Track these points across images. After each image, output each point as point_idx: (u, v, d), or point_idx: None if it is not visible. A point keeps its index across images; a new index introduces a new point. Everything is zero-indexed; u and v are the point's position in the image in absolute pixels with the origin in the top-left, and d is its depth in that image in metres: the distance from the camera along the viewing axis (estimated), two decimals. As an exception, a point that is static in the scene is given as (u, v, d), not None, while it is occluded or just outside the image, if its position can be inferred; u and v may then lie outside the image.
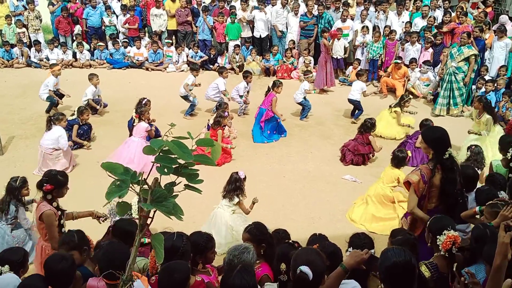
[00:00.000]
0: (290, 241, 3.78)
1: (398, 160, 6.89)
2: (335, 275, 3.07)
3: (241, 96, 10.62)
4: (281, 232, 4.39)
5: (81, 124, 9.01)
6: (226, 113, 8.86)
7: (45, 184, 4.64)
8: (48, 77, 10.62)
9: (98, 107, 10.58)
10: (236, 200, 6.13)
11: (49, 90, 10.35)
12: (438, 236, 3.64)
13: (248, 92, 10.79)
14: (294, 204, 7.36)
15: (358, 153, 8.56)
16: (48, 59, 13.80)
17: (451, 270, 3.58)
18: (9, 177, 5.73)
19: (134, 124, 8.44)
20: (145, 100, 9.02)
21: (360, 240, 3.95)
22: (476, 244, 3.81)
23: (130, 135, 8.56)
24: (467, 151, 7.05)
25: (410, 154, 7.83)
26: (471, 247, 3.89)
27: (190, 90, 10.47)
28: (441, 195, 4.56)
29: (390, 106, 9.99)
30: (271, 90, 9.69)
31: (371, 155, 8.68)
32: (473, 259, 3.88)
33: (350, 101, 10.63)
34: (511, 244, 2.74)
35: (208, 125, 9.14)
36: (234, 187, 6.08)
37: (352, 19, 13.71)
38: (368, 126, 8.57)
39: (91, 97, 10.44)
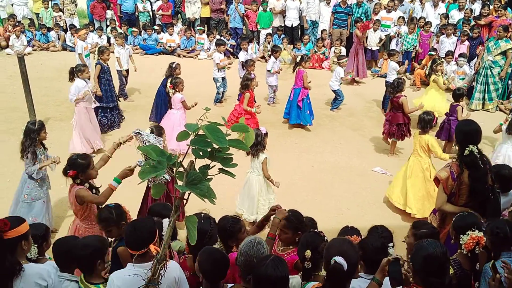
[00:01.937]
0: (316, 230, 3.75)
1: (424, 123, 6.70)
2: None
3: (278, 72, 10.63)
4: (307, 220, 4.38)
5: (103, 65, 9.02)
6: (253, 75, 8.83)
7: (68, 171, 4.68)
8: (76, 44, 10.79)
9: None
10: (263, 156, 6.09)
11: (79, 54, 10.45)
12: (461, 236, 3.59)
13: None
14: (322, 195, 7.34)
15: (395, 122, 8.34)
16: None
17: (474, 268, 3.56)
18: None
19: (171, 96, 8.47)
20: (175, 63, 9.14)
21: (378, 234, 3.89)
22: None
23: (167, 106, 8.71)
24: (509, 114, 6.91)
25: (437, 116, 7.68)
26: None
27: (223, 68, 10.57)
28: (470, 192, 4.47)
29: (426, 76, 9.75)
30: (299, 66, 9.53)
31: (407, 128, 8.40)
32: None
33: (387, 83, 10.47)
34: None
35: (239, 94, 9.27)
36: (256, 142, 5.94)
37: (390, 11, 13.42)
38: (395, 86, 8.35)
39: (118, 55, 10.56)
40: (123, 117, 9.61)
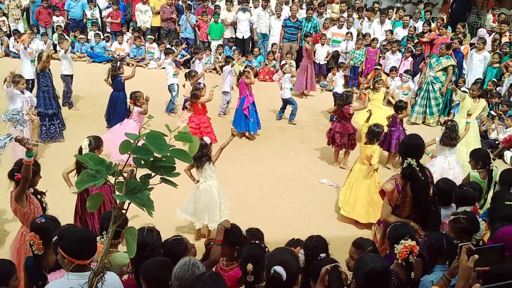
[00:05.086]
0: (256, 242, 3.73)
1: (373, 135, 6.84)
2: None
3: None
4: (253, 230, 4.33)
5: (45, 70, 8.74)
6: (202, 85, 8.76)
7: (16, 174, 4.53)
8: (19, 49, 10.58)
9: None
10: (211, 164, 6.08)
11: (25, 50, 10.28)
12: (395, 245, 3.65)
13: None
14: (270, 206, 7.36)
15: (346, 133, 8.49)
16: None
17: (409, 277, 3.63)
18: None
19: (131, 110, 8.26)
20: (118, 63, 9.05)
21: (312, 243, 3.85)
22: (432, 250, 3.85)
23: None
24: (442, 126, 7.19)
25: (386, 130, 7.89)
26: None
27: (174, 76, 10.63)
28: (413, 204, 4.61)
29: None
30: (242, 77, 9.53)
31: (354, 135, 8.62)
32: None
33: (334, 94, 10.66)
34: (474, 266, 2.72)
35: (184, 105, 9.26)
36: (201, 153, 5.86)
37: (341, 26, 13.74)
38: (344, 98, 8.44)
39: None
40: (64, 126, 9.18)
